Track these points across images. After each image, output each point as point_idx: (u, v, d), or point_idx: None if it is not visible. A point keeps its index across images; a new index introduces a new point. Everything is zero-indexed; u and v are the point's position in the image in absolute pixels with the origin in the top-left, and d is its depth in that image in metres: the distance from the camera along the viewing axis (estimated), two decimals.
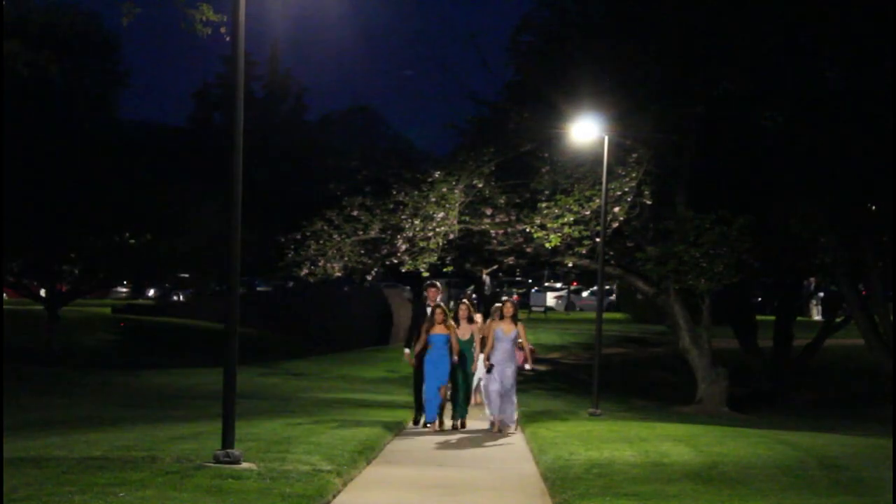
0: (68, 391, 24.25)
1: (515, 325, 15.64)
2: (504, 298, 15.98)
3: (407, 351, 16.23)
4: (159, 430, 13.80)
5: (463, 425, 15.85)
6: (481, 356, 16.37)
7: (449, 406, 16.12)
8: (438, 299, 16.28)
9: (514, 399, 15.72)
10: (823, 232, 24.55)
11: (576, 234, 23.11)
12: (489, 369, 15.64)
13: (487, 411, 15.93)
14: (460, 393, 16.03)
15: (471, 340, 16.15)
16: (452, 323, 15.64)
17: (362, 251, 24.20)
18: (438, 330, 15.46)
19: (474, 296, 31.72)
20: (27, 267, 36.35)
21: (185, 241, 35.98)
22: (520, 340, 15.88)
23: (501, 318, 15.79)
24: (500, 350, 15.52)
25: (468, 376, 16.31)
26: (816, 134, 23.33)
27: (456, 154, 25.37)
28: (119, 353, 36.66)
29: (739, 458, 11.51)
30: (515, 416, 15.92)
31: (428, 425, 15.56)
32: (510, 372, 15.52)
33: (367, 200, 24.37)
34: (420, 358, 15.79)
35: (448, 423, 15.77)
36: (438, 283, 16.31)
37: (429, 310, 16.05)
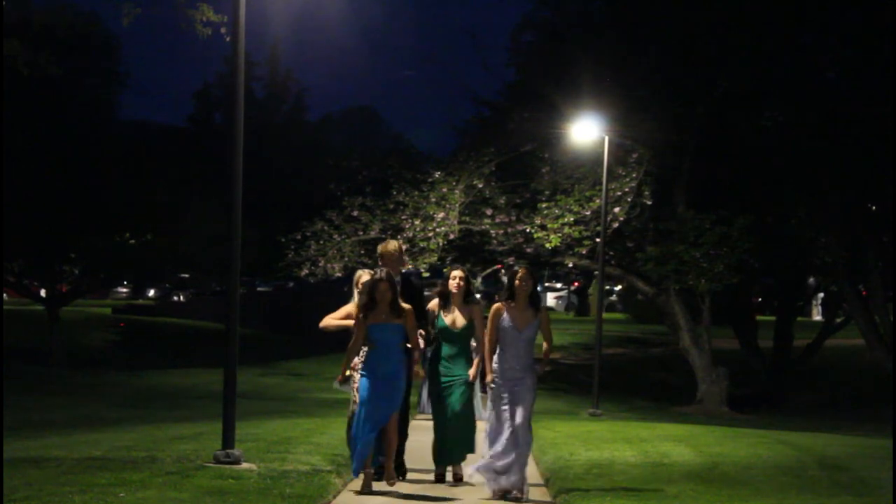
0: (68, 391, 24.26)
1: (537, 312, 9.10)
2: (515, 267, 9.42)
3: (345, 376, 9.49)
4: (159, 430, 13.80)
5: (458, 478, 9.69)
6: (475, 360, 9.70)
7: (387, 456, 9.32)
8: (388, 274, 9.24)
9: (529, 443, 9.07)
10: (823, 232, 24.56)
11: (576, 234, 23.12)
12: (483, 388, 9.55)
13: (471, 469, 9.29)
14: (456, 422, 9.69)
15: (467, 330, 9.76)
16: (407, 306, 9.11)
17: (362, 251, 24.21)
18: (381, 317, 9.03)
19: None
20: (27, 267, 36.32)
21: (185, 241, 35.97)
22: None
23: (510, 298, 9.10)
24: (511, 354, 9.00)
25: (467, 394, 9.75)
26: (816, 134, 23.35)
27: (456, 154, 25.40)
28: (119, 353, 36.65)
29: (739, 459, 11.51)
30: (528, 471, 9.16)
31: (363, 482, 9.14)
32: (526, 393, 9.02)
33: (368, 201, 24.39)
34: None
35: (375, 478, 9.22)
36: (400, 244, 10.30)
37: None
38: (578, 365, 33.69)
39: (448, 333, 9.82)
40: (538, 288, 9.28)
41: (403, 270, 9.83)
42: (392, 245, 10.00)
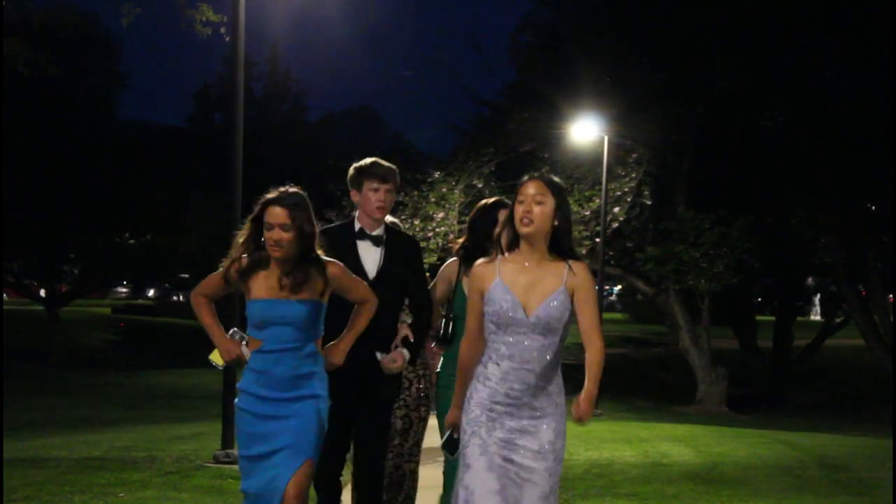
0: (68, 391, 24.27)
1: (565, 273, 4.24)
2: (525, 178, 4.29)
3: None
4: (159, 430, 13.80)
5: None
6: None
7: None
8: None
9: None
10: (823, 232, 24.57)
11: (575, 234, 23.12)
12: (447, 444, 4.49)
13: None
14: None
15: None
16: (334, 263, 4.79)
17: None
18: (273, 286, 4.69)
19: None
20: (27, 267, 36.36)
21: (185, 240, 36.00)
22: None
23: (510, 246, 4.29)
24: (510, 364, 4.22)
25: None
26: (816, 134, 23.35)
27: (456, 154, 25.39)
28: (119, 353, 36.67)
29: (739, 459, 11.50)
30: None
31: None
32: (539, 464, 4.38)
33: None
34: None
35: None
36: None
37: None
38: (578, 365, 33.64)
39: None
40: (569, 224, 4.35)
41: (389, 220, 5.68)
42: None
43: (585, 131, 21.37)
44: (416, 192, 23.78)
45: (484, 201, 5.81)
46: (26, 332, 35.23)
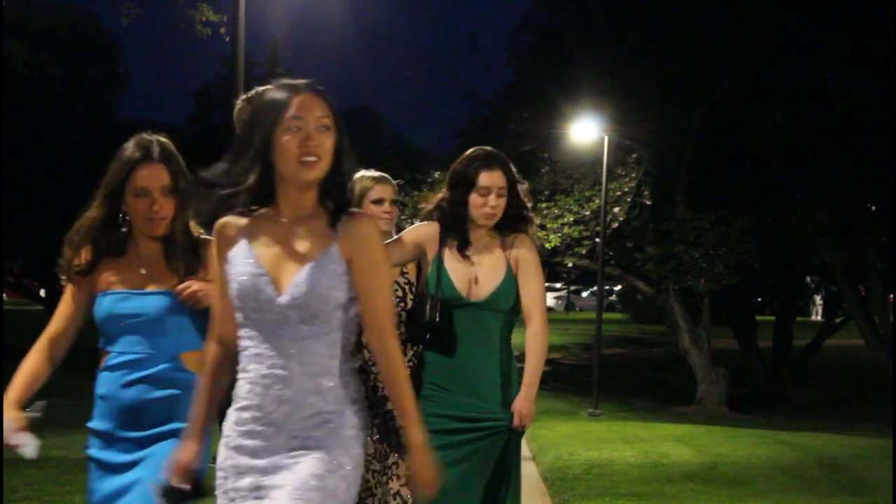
0: (68, 391, 24.25)
1: (329, 229, 2.83)
2: None
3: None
4: None
5: None
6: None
7: None
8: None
9: None
10: (823, 232, 24.57)
11: (575, 234, 23.14)
12: (166, 494, 2.92)
13: None
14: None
15: (502, 299, 4.10)
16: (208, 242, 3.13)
17: None
18: (138, 273, 3.35)
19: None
20: (27, 267, 36.35)
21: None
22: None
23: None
24: (259, 361, 2.81)
25: (511, 459, 4.03)
26: (816, 134, 23.35)
27: (456, 154, 25.38)
28: None
29: (739, 459, 11.50)
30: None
31: None
32: (308, 486, 2.71)
33: None
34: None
35: None
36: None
37: None
38: (578, 365, 33.67)
39: (461, 309, 4.15)
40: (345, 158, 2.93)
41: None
42: None
43: (585, 131, 21.40)
44: (416, 193, 23.78)
45: (473, 149, 4.69)
46: (26, 332, 35.21)
